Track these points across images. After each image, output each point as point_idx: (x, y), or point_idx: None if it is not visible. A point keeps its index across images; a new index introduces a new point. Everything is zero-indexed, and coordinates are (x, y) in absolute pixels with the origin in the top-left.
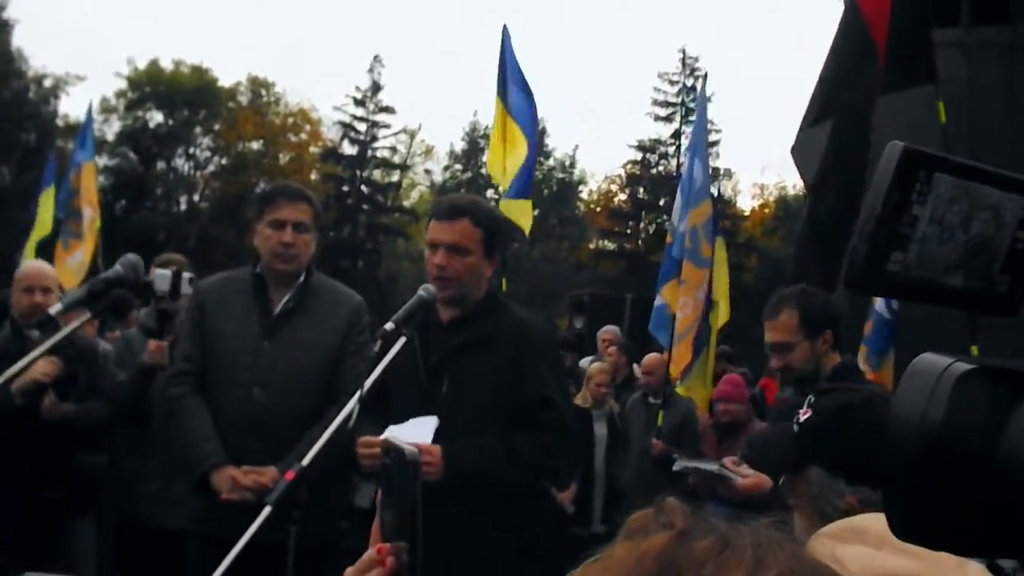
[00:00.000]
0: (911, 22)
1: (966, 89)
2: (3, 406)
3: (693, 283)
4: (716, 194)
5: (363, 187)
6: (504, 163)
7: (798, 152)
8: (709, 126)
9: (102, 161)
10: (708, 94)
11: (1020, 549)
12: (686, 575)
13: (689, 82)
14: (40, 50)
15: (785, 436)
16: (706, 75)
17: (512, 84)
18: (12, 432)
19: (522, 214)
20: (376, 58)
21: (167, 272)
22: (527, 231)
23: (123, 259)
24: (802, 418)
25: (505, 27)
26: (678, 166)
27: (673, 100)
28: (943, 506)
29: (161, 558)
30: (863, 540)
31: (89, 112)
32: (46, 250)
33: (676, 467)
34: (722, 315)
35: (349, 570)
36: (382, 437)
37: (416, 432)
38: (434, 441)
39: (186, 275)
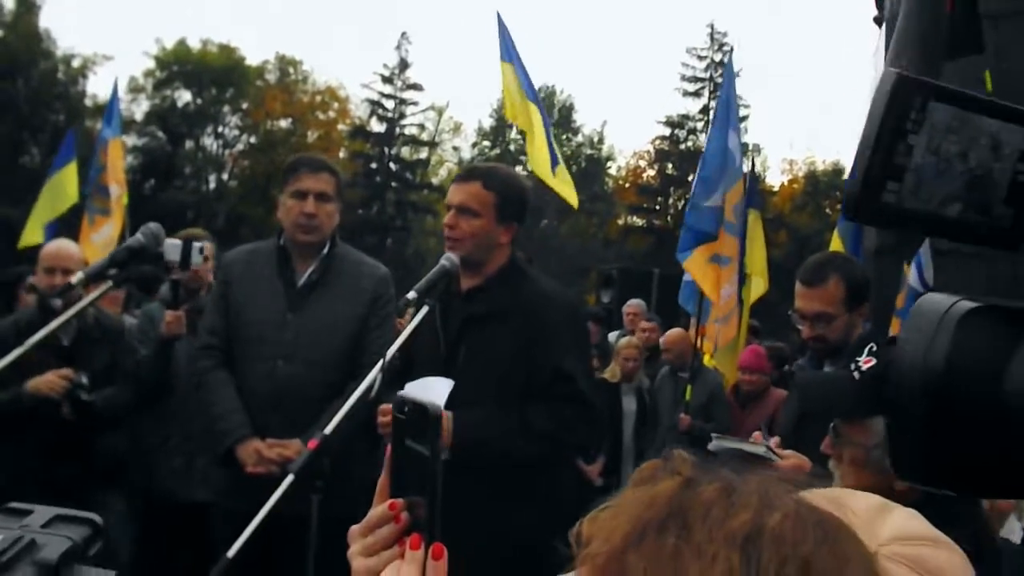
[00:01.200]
0: None
1: (992, 60)
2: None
3: (735, 259)
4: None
5: (391, 164)
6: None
7: None
8: (739, 101)
9: (131, 141)
10: (736, 69)
11: None
12: (693, 518)
13: (717, 57)
14: (67, 31)
15: (846, 382)
16: (732, 49)
17: (518, 66)
18: (29, 414)
19: (566, 184)
20: (403, 35)
21: (177, 242)
22: (575, 202)
23: (144, 228)
24: (864, 366)
25: (498, 14)
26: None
27: (701, 75)
28: (949, 447)
29: (185, 533)
30: (842, 514)
31: (115, 89)
32: (69, 226)
33: (712, 446)
34: (756, 288)
35: (355, 527)
36: (400, 392)
37: (430, 392)
38: (447, 406)
39: (197, 244)
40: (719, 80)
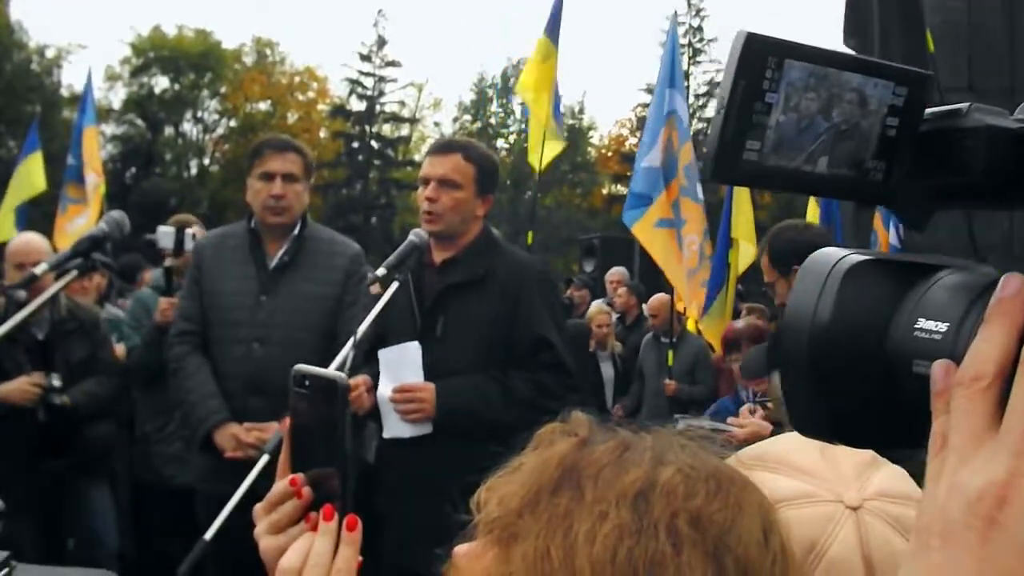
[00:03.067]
0: None
1: (964, 16)
2: None
3: (695, 220)
4: None
5: (373, 142)
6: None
7: None
8: (717, 66)
9: (109, 130)
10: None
11: (915, 441)
12: (585, 478)
13: (695, 23)
14: (40, 22)
15: (762, 349)
16: (675, 13)
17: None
18: (7, 414)
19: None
20: (380, 12)
21: (170, 229)
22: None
23: (107, 216)
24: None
25: None
26: (689, 107)
27: (680, 42)
28: (836, 401)
29: (181, 517)
30: (764, 465)
31: (89, 78)
32: (47, 217)
33: (679, 426)
34: (745, 255)
35: (259, 506)
36: (296, 366)
37: (404, 358)
38: (427, 376)
39: (190, 231)
40: (698, 46)
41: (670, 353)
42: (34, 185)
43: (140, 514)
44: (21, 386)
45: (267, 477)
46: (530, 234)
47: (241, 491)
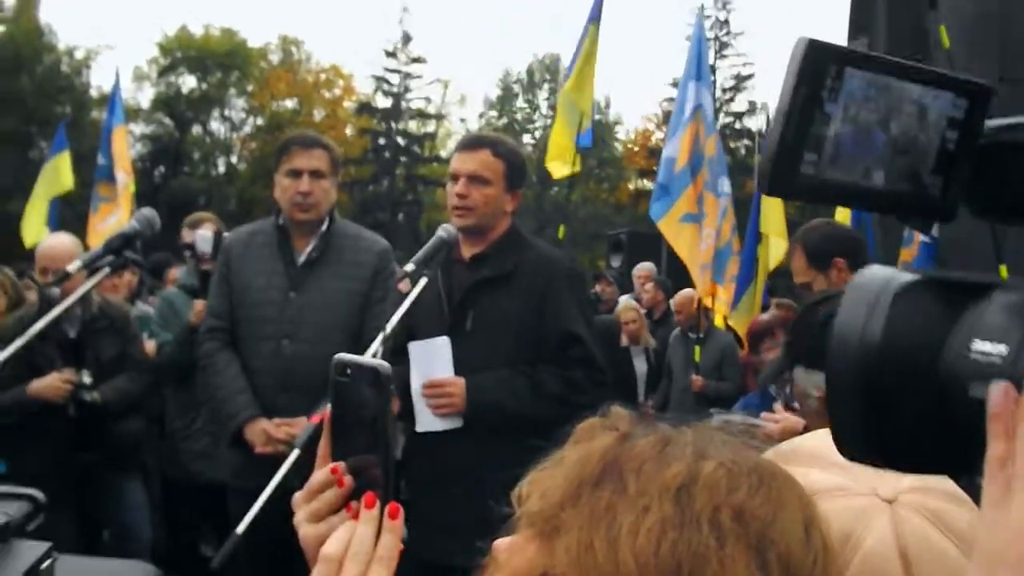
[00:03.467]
0: None
1: (997, 7)
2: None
3: (712, 215)
4: (764, 128)
5: (399, 139)
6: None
7: None
8: (744, 60)
9: (138, 129)
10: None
11: (968, 465)
12: (627, 471)
13: (722, 16)
14: (68, 24)
15: (775, 360)
16: (701, 6)
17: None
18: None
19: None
20: (404, 8)
21: (208, 233)
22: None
23: (138, 214)
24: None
25: None
26: (714, 100)
27: (707, 35)
28: (886, 425)
29: (211, 512)
30: (797, 460)
31: (117, 78)
32: (81, 218)
33: (714, 420)
34: (776, 249)
35: (298, 494)
36: (337, 355)
37: (434, 353)
38: (456, 371)
39: (227, 235)
40: (724, 39)
41: (697, 349)
42: (62, 184)
43: (168, 509)
44: (53, 383)
45: (297, 472)
46: (562, 228)
47: (272, 485)
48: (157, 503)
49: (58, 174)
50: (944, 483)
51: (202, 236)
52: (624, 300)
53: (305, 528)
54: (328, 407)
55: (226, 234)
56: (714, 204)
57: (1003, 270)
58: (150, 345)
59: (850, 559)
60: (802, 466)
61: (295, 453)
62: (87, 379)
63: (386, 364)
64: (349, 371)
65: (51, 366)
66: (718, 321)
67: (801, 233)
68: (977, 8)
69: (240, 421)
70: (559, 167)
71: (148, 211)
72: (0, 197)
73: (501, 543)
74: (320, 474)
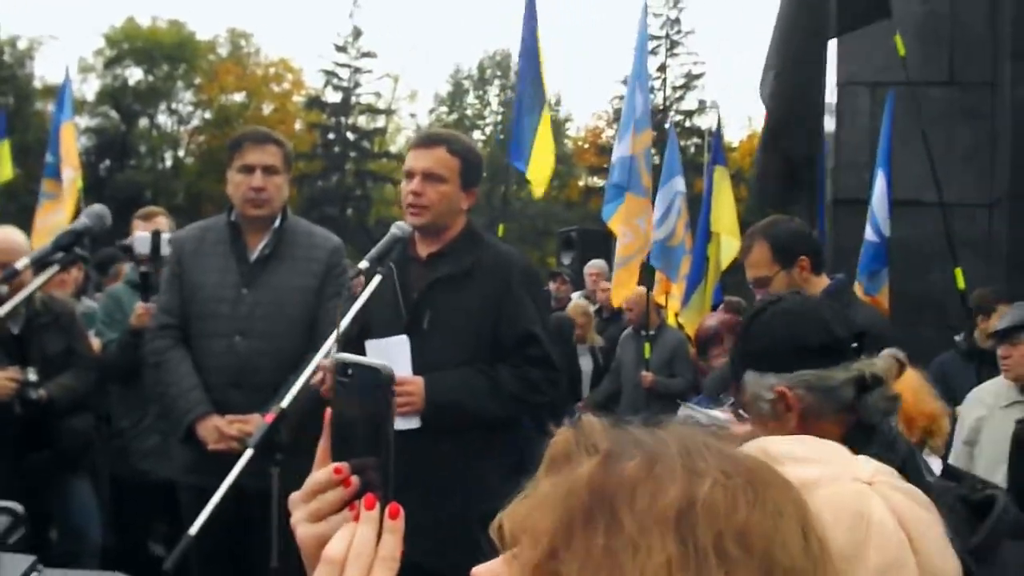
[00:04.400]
0: None
1: (948, 9)
2: None
3: (633, 211)
4: (715, 127)
5: (348, 134)
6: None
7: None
8: (694, 58)
9: (83, 122)
10: (690, 28)
11: None
12: (619, 502)
13: (673, 15)
14: (10, 13)
15: (724, 369)
16: (645, 7)
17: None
18: None
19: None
20: (355, 2)
21: (146, 234)
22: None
23: (88, 210)
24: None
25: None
26: (664, 99)
27: (658, 33)
28: None
29: (161, 510)
30: (767, 459)
31: (67, 73)
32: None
33: (680, 412)
34: (728, 248)
35: (296, 494)
36: (337, 354)
37: (390, 351)
38: (415, 373)
39: (165, 236)
40: (675, 38)
41: (647, 346)
42: (2, 173)
43: (117, 509)
44: None
45: (248, 471)
46: (501, 227)
47: (226, 485)
48: (106, 503)
49: None
50: (892, 469)
51: (140, 238)
52: (577, 299)
53: (304, 528)
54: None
55: (164, 234)
56: (635, 202)
57: (959, 273)
58: (96, 342)
59: (866, 534)
60: (776, 465)
61: (249, 452)
62: (32, 376)
63: (388, 365)
64: (350, 371)
65: None
66: (670, 319)
67: (764, 226)
68: (928, 9)
69: (192, 418)
70: (541, 184)
71: (99, 207)
72: None
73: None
74: (321, 474)
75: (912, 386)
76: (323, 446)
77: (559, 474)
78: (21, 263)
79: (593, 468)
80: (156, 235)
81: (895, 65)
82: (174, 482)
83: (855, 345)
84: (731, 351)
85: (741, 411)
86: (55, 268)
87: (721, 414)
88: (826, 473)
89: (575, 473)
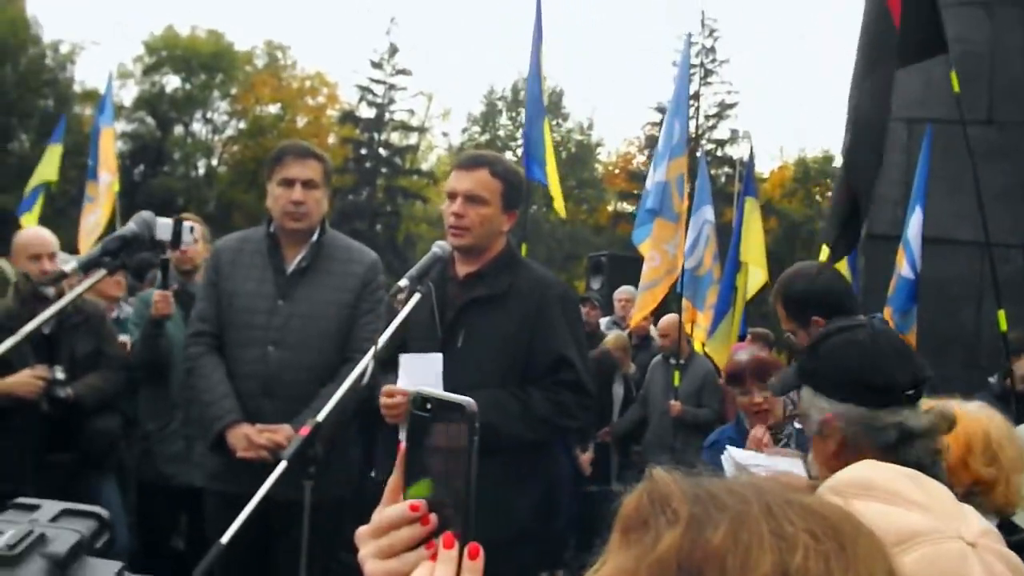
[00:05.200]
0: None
1: (986, 48)
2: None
3: (662, 236)
4: (748, 157)
5: (381, 150)
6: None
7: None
8: (728, 88)
9: (119, 127)
10: (725, 58)
11: None
12: (709, 574)
13: (709, 43)
14: (54, 17)
15: (792, 367)
16: (689, 36)
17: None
18: (15, 406)
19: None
20: (392, 20)
21: (168, 221)
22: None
23: (137, 217)
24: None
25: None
26: (696, 128)
27: (693, 62)
28: None
29: (182, 516)
30: (872, 495)
31: (110, 79)
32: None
33: (725, 463)
34: (755, 279)
35: (364, 529)
36: (413, 389)
37: (425, 368)
38: (445, 389)
39: (187, 224)
40: (710, 67)
41: (676, 374)
42: (46, 174)
43: (139, 511)
44: (24, 379)
45: (281, 482)
46: (524, 247)
47: (259, 495)
48: (132, 505)
49: (45, 164)
50: (997, 534)
51: (161, 224)
52: (604, 324)
53: (374, 564)
54: (403, 439)
55: (187, 223)
56: (663, 227)
57: (1002, 315)
58: (127, 342)
59: None
60: (881, 502)
61: (282, 465)
62: (60, 375)
63: (472, 401)
64: (429, 406)
65: (24, 363)
66: (697, 348)
67: (781, 283)
68: (966, 48)
69: (223, 425)
70: (559, 196)
71: (147, 214)
72: None
73: None
74: (395, 509)
75: (967, 443)
76: (395, 481)
77: (640, 544)
78: (69, 266)
79: (678, 539)
80: (178, 222)
81: (931, 101)
82: (195, 489)
83: (911, 392)
84: (795, 363)
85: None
86: (102, 272)
87: (779, 460)
88: (930, 527)
89: (660, 545)
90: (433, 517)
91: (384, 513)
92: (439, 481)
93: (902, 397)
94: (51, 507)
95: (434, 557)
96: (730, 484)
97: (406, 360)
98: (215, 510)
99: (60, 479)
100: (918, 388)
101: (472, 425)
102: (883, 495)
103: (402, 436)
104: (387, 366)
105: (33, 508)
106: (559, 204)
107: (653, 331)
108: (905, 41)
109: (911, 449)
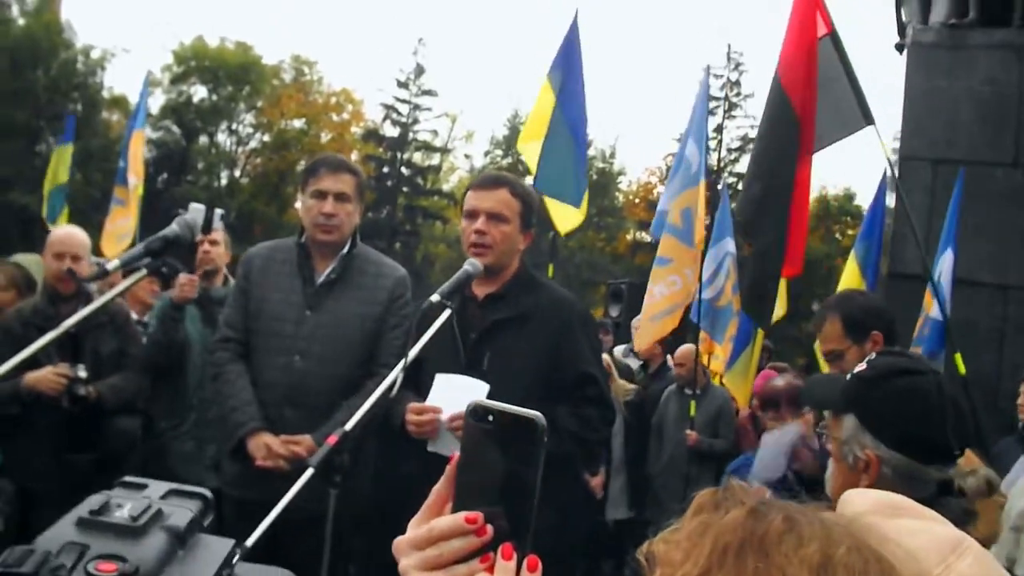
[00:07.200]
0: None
1: (1015, 90)
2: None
3: (682, 262)
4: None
5: (403, 169)
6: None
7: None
8: (751, 122)
9: (145, 134)
10: (749, 92)
11: None
12: (768, 543)
13: (734, 76)
14: (87, 23)
15: (836, 380)
16: (708, 68)
17: (568, 72)
18: (37, 405)
19: (562, 216)
20: (420, 40)
21: (201, 206)
22: (562, 231)
23: (180, 219)
24: (857, 369)
25: (576, 12)
26: (719, 160)
27: (716, 94)
28: None
29: None
30: (906, 512)
31: (145, 84)
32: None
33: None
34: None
35: (402, 539)
36: (475, 399)
37: (469, 392)
38: None
39: (218, 211)
40: (734, 100)
41: (692, 404)
42: (56, 176)
43: None
44: (47, 375)
45: (304, 491)
46: (551, 267)
47: (284, 502)
48: None
49: (55, 166)
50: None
51: (195, 207)
52: (619, 352)
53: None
54: (458, 451)
55: (218, 210)
56: (685, 253)
57: None
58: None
59: None
60: (915, 518)
61: (309, 471)
62: (82, 373)
63: (541, 415)
64: (491, 417)
65: (48, 361)
66: (714, 380)
67: (837, 301)
68: (992, 90)
69: (244, 432)
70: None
71: (190, 217)
72: (3, 187)
73: None
74: (446, 521)
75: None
76: (440, 491)
77: (712, 515)
78: (112, 265)
79: (743, 515)
80: (210, 208)
81: (959, 142)
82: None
83: (957, 453)
84: (843, 388)
85: (825, 433)
86: (143, 272)
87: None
88: (962, 533)
89: (728, 515)
90: (490, 528)
91: (434, 524)
92: (495, 493)
93: (951, 457)
94: (158, 486)
95: (491, 569)
96: (791, 502)
97: (448, 380)
98: (231, 515)
99: (79, 478)
100: (963, 449)
101: (541, 438)
102: (914, 512)
103: (432, 448)
104: (406, 382)
105: (142, 487)
106: (562, 226)
107: (669, 360)
108: (824, 122)
109: (947, 504)
